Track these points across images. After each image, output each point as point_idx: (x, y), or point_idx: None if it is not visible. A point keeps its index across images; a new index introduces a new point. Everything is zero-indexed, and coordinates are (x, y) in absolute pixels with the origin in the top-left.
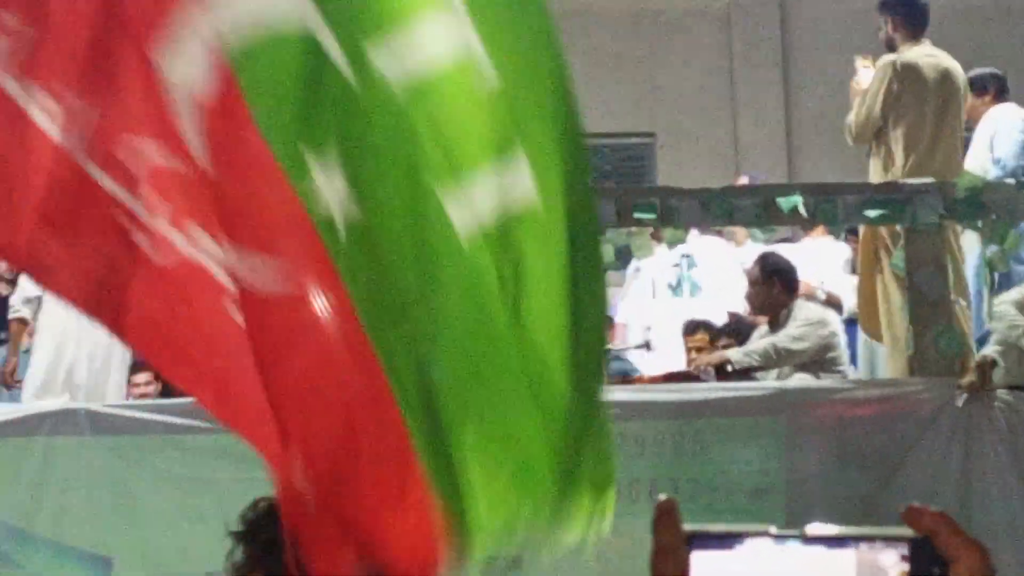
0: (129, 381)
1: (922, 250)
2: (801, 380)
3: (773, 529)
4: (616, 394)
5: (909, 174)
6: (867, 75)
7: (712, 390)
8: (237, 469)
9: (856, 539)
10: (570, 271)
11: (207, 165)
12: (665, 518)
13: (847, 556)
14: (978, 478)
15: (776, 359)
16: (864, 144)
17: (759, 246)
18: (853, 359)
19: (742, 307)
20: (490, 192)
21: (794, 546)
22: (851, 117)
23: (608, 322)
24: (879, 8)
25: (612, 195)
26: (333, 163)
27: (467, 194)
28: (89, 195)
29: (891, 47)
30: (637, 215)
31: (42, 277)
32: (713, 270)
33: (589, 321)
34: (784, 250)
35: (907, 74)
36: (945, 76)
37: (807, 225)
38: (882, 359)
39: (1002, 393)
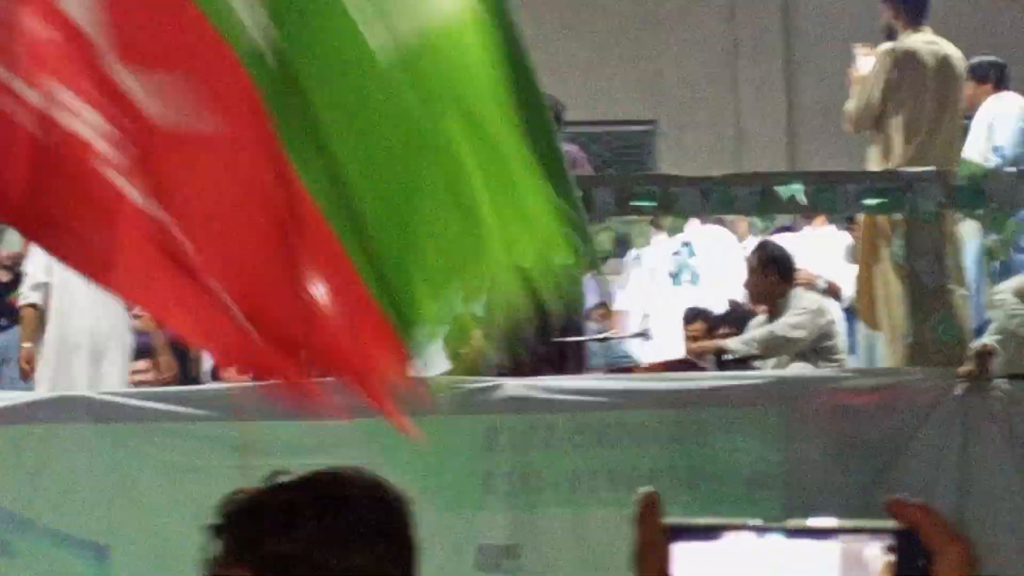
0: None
1: (921, 239)
2: (799, 369)
3: (755, 522)
4: (614, 383)
5: (908, 162)
6: (866, 63)
7: (710, 379)
8: (235, 457)
9: (840, 532)
10: (506, 77)
11: None
12: (646, 511)
13: (831, 548)
14: (977, 467)
15: (774, 347)
16: (863, 131)
17: (760, 237)
18: (853, 348)
19: (742, 295)
20: (410, 7)
21: (777, 539)
22: (850, 105)
23: (606, 306)
24: None
25: (611, 183)
26: None
27: (384, 10)
28: None
29: (891, 34)
30: (636, 203)
31: None
32: (713, 258)
33: (532, 119)
34: (785, 239)
35: (906, 61)
36: (945, 63)
37: (806, 214)
38: (881, 348)
39: (1001, 382)
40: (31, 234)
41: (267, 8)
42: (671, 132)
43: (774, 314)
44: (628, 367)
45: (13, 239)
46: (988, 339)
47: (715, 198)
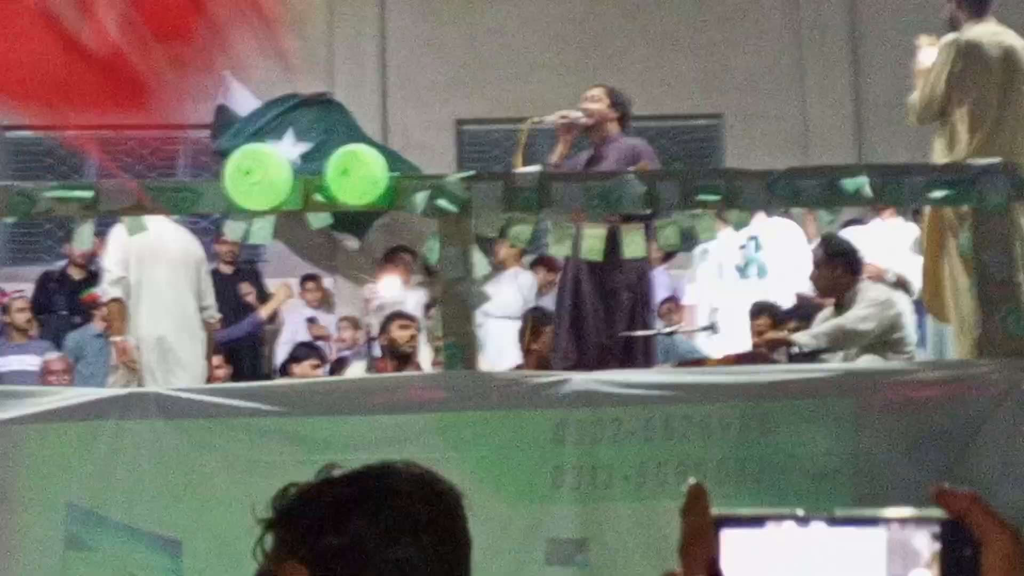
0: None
1: (989, 231)
2: (868, 361)
3: (801, 511)
4: (681, 376)
5: (973, 154)
6: (929, 54)
7: (778, 372)
8: (301, 451)
9: (887, 520)
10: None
11: None
12: (694, 502)
13: (878, 537)
14: None
15: (842, 340)
16: (927, 124)
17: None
18: (923, 340)
19: (810, 289)
20: None
21: (824, 527)
22: (914, 97)
23: (675, 301)
24: None
25: (676, 177)
26: None
27: None
28: None
29: (954, 26)
30: (701, 197)
31: None
32: (780, 252)
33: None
34: (853, 232)
35: (970, 53)
36: (1009, 54)
37: (874, 207)
38: (951, 340)
39: None
40: None
41: None
42: (737, 126)
43: (841, 307)
44: (698, 360)
45: (85, 237)
46: None
47: (780, 191)
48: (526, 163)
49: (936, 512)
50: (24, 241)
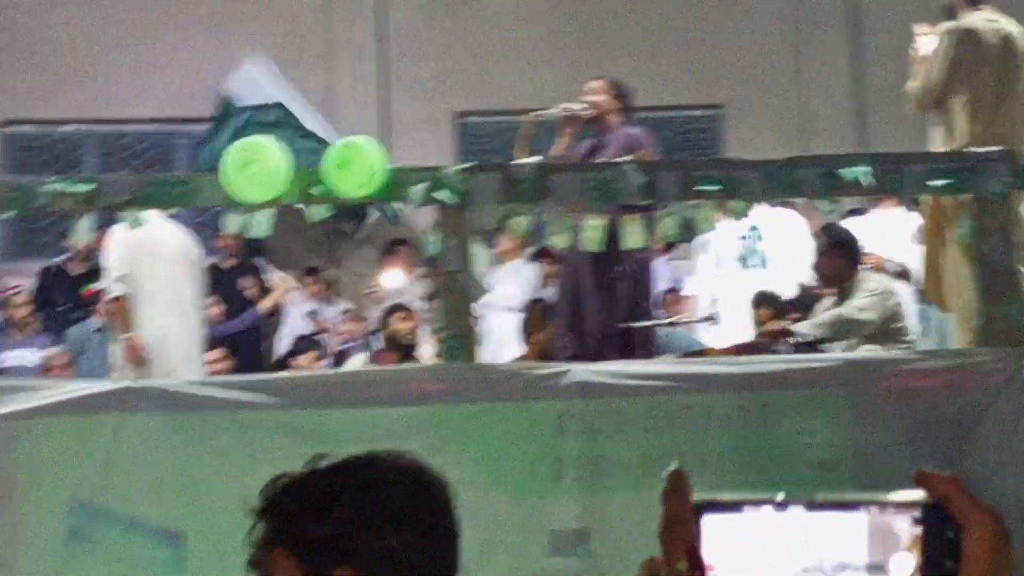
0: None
1: (989, 220)
2: (868, 351)
3: (781, 496)
4: (682, 367)
5: (972, 142)
6: (928, 42)
7: (779, 362)
8: (302, 444)
9: (868, 504)
10: None
11: None
12: (675, 488)
13: (859, 521)
14: None
15: (843, 330)
16: (925, 112)
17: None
18: (926, 330)
19: (811, 279)
20: None
21: (805, 512)
22: (911, 85)
23: (676, 292)
24: None
25: (675, 167)
26: None
27: None
28: None
29: (953, 13)
30: (700, 187)
31: None
32: (781, 242)
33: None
34: (854, 222)
35: (967, 40)
36: (1007, 41)
37: (874, 196)
38: (952, 330)
39: None
40: None
41: None
42: (738, 116)
43: (842, 297)
44: (700, 351)
45: (83, 231)
46: None
47: (779, 181)
48: (530, 157)
49: (917, 496)
50: (25, 236)
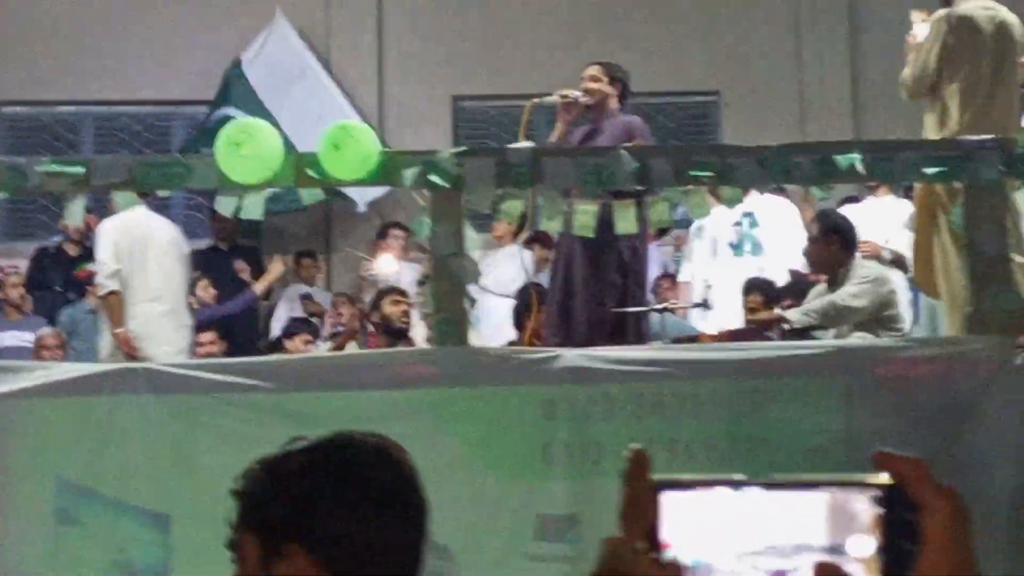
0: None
1: (981, 207)
2: (859, 338)
3: (740, 476)
4: (673, 353)
5: (965, 130)
6: (922, 29)
7: (770, 349)
8: (293, 427)
9: (827, 484)
10: None
11: None
12: (635, 469)
13: (818, 501)
14: None
15: (834, 317)
16: (919, 99)
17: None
18: (917, 317)
19: (804, 266)
20: None
21: (764, 491)
22: (906, 72)
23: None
24: None
25: (669, 154)
26: None
27: None
28: None
29: (948, 1)
30: (694, 173)
31: None
32: (776, 229)
33: None
34: (848, 209)
35: (962, 27)
36: (1001, 29)
37: (868, 183)
38: (943, 317)
39: None
40: None
41: None
42: (735, 103)
43: (835, 284)
44: (692, 337)
45: (76, 213)
46: None
47: (773, 168)
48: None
49: (877, 477)
50: (19, 217)
